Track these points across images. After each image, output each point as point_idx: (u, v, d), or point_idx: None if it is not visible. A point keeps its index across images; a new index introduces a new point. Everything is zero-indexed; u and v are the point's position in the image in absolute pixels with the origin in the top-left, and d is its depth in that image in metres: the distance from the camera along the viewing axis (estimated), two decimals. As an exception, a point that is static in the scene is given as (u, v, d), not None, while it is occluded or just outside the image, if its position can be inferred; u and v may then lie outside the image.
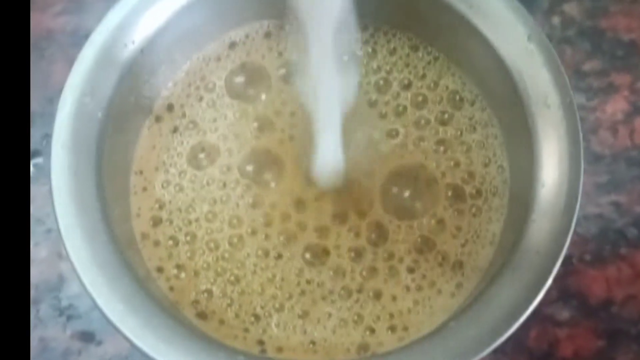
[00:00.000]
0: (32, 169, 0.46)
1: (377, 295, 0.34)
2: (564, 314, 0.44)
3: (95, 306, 0.30)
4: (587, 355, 0.43)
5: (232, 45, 0.39)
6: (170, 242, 0.35)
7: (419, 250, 0.35)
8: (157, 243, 0.35)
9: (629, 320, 0.44)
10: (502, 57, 0.34)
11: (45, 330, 0.43)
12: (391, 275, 0.34)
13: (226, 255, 0.35)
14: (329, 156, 0.34)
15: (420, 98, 0.37)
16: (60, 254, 0.45)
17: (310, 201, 0.36)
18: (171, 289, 0.33)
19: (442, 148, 0.37)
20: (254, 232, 0.35)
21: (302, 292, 0.34)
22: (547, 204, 0.31)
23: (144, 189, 0.36)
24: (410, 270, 0.34)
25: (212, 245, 0.35)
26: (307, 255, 0.35)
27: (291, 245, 0.35)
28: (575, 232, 0.42)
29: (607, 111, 0.48)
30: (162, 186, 0.36)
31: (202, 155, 0.37)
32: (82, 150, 0.32)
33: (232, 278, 0.34)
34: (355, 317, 0.34)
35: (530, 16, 0.34)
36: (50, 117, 0.46)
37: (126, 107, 0.34)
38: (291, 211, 0.35)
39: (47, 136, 0.46)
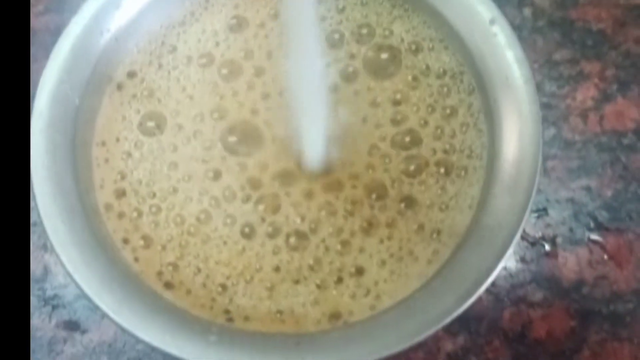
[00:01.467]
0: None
1: (358, 270, 0.35)
2: (537, 295, 0.44)
3: (73, 280, 0.30)
4: (560, 336, 0.43)
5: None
6: (135, 214, 0.35)
7: (400, 213, 0.35)
8: (121, 215, 0.35)
9: (601, 301, 0.44)
10: (464, 39, 0.34)
11: (31, 320, 0.44)
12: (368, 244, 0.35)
13: (192, 229, 0.35)
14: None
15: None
16: (45, 246, 0.46)
17: (288, 174, 0.36)
18: (136, 259, 0.34)
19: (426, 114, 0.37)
20: (218, 205, 0.35)
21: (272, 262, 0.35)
22: (508, 178, 0.32)
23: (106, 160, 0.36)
24: (389, 238, 0.35)
25: (178, 219, 0.35)
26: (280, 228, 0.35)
27: (262, 214, 0.35)
28: (547, 215, 0.45)
29: (577, 98, 0.49)
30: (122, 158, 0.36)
31: (165, 124, 0.37)
32: (59, 134, 0.33)
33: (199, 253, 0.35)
34: (328, 288, 0.34)
35: (493, 2, 0.35)
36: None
37: (96, 85, 0.35)
38: (265, 183, 0.36)
39: (30, 131, 0.47)
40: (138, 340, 0.30)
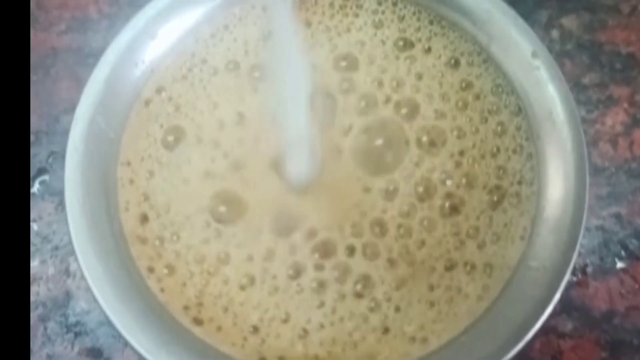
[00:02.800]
0: (37, 186, 0.46)
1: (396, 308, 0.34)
2: (568, 325, 0.44)
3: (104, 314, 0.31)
4: None
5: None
6: (157, 242, 0.35)
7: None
8: (144, 240, 0.35)
9: (632, 332, 0.44)
10: (508, 74, 0.34)
11: (52, 347, 0.44)
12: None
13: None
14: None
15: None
16: (67, 271, 0.45)
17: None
18: (162, 290, 0.33)
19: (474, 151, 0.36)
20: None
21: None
22: (553, 219, 0.31)
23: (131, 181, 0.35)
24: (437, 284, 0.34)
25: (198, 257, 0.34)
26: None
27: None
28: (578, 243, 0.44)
29: (606, 123, 0.48)
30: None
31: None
32: (93, 169, 0.32)
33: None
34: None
35: (534, 33, 0.35)
36: (55, 135, 0.47)
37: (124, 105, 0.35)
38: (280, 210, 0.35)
39: (53, 154, 0.46)
40: None
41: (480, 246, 0.32)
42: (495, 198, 0.33)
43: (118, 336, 0.45)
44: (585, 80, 0.49)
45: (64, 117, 0.33)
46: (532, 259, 0.32)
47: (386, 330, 0.32)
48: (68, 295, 0.45)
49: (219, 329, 0.32)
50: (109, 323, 0.32)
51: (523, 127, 0.34)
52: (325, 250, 0.33)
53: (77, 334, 0.44)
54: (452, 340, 0.32)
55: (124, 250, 0.33)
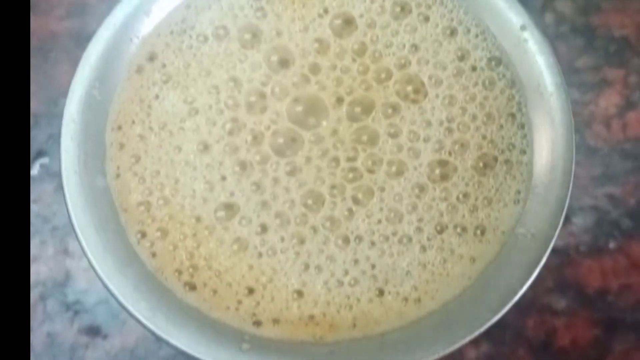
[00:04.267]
0: (38, 168, 0.46)
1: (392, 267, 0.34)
2: (561, 303, 0.44)
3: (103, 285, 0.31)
4: (585, 344, 0.43)
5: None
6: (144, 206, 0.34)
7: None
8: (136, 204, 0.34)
9: (625, 310, 0.44)
10: (502, 47, 0.35)
11: (52, 325, 0.44)
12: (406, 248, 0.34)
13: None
14: None
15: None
16: (67, 251, 0.46)
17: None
18: (153, 255, 0.33)
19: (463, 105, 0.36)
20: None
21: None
22: (541, 186, 0.32)
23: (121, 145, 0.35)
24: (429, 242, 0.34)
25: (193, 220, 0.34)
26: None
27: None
28: (571, 223, 0.46)
29: (600, 105, 0.48)
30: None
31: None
32: (89, 140, 0.33)
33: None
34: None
35: (522, 8, 0.35)
36: (54, 118, 0.48)
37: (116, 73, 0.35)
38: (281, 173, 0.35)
39: (52, 136, 0.47)
40: (163, 346, 0.30)
41: (472, 210, 0.32)
42: (485, 164, 0.34)
43: (117, 314, 0.46)
44: (580, 63, 0.50)
45: (62, 101, 0.33)
46: (523, 224, 0.32)
47: (380, 292, 0.32)
48: (67, 275, 0.45)
49: (214, 292, 0.32)
50: (107, 299, 0.32)
51: (516, 98, 0.34)
52: (320, 210, 0.33)
53: (76, 312, 0.44)
54: (446, 302, 0.32)
55: (117, 217, 0.32)
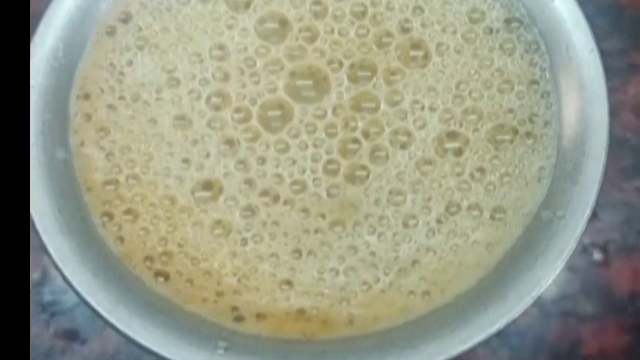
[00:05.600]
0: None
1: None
2: (588, 308, 0.42)
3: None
4: (614, 352, 0.41)
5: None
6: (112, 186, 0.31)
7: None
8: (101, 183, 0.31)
9: (658, 314, 0.42)
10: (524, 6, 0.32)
11: (27, 328, 0.41)
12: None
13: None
14: None
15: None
16: (45, 248, 0.43)
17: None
18: (121, 239, 0.30)
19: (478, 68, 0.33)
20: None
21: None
22: (570, 162, 0.30)
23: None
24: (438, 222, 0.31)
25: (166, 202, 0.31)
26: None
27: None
28: (598, 219, 0.43)
29: (629, 92, 0.46)
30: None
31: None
32: (50, 110, 0.30)
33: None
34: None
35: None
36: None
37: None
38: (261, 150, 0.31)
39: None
40: (139, 348, 0.27)
41: (488, 189, 0.29)
42: (503, 137, 0.31)
43: (96, 317, 0.43)
44: (605, 46, 0.45)
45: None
46: (547, 205, 0.29)
47: (382, 284, 0.29)
48: (44, 273, 0.42)
49: (190, 282, 0.28)
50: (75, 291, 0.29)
51: (539, 63, 0.31)
52: (314, 189, 0.30)
53: (52, 314, 0.41)
54: (458, 296, 0.29)
55: (79, 196, 0.30)
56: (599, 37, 0.47)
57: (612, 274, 0.42)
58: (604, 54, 0.46)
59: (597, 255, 0.43)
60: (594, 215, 0.43)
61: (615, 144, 0.45)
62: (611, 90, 0.46)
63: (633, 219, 0.44)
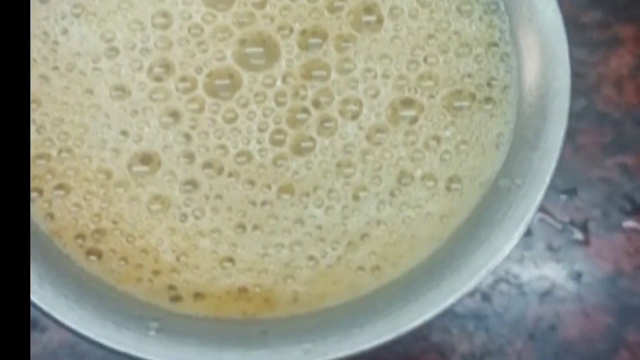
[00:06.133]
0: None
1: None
2: (567, 288, 0.42)
3: None
4: (594, 335, 0.41)
5: None
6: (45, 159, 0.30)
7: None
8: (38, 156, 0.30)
9: (641, 295, 0.42)
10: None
11: (-19, 316, 0.40)
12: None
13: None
14: None
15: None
16: None
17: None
18: (51, 216, 0.28)
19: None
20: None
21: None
22: (531, 127, 0.29)
23: None
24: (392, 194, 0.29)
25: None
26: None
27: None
28: (577, 196, 0.43)
29: (610, 66, 0.46)
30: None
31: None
32: None
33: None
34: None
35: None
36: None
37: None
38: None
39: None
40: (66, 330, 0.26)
41: (443, 158, 0.27)
42: (460, 103, 0.30)
43: None
44: (586, 18, 0.47)
45: None
46: (506, 174, 0.27)
47: (328, 258, 0.28)
48: None
49: (125, 261, 0.27)
50: None
51: (498, 25, 0.30)
52: (260, 159, 0.29)
53: None
54: (410, 270, 0.28)
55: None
56: (580, 10, 0.47)
57: (592, 254, 0.42)
58: (585, 27, 0.46)
59: (577, 234, 0.43)
60: (573, 192, 0.43)
61: (596, 119, 0.45)
62: (592, 65, 0.46)
63: (614, 196, 0.44)
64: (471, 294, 0.36)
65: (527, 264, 0.42)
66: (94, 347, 0.41)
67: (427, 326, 0.27)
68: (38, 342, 0.41)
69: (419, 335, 0.41)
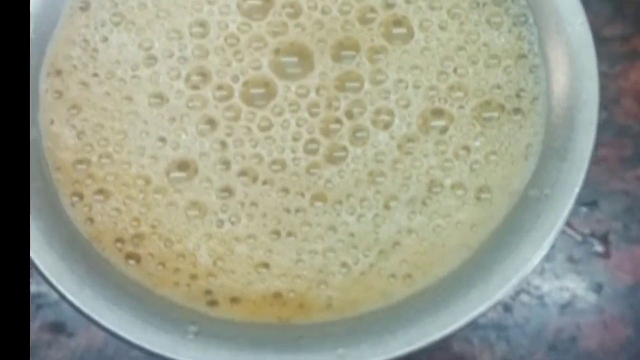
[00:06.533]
0: None
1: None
2: (587, 300, 0.41)
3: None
4: (614, 347, 0.41)
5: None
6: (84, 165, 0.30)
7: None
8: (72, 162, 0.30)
9: (662, 307, 0.41)
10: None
11: (12, 320, 0.40)
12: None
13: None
14: None
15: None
16: (30, 239, 0.42)
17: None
18: (91, 220, 0.29)
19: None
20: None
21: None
22: (558, 139, 0.29)
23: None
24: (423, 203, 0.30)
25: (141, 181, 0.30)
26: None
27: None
28: (598, 209, 0.43)
29: (630, 79, 0.46)
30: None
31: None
32: None
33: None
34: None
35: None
36: None
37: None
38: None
39: None
40: (105, 332, 0.26)
41: (473, 167, 0.28)
42: (489, 113, 0.30)
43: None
44: (607, 32, 0.47)
45: None
46: (535, 184, 0.28)
47: (360, 264, 0.29)
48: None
49: (162, 265, 0.27)
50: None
51: (527, 37, 0.30)
52: (293, 168, 0.30)
53: (38, 306, 0.41)
54: (441, 278, 0.28)
55: (47, 175, 0.29)
56: (602, 23, 0.47)
57: (612, 266, 0.42)
58: (606, 41, 0.46)
59: (598, 246, 0.43)
60: (594, 204, 0.43)
61: (616, 132, 0.44)
62: (613, 77, 0.46)
63: (634, 209, 0.43)
64: (492, 304, 0.36)
65: (548, 275, 0.42)
66: (120, 352, 0.42)
67: (449, 336, 0.27)
68: (65, 347, 0.41)
69: (440, 345, 0.41)
